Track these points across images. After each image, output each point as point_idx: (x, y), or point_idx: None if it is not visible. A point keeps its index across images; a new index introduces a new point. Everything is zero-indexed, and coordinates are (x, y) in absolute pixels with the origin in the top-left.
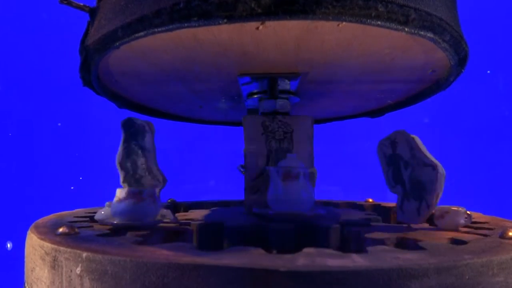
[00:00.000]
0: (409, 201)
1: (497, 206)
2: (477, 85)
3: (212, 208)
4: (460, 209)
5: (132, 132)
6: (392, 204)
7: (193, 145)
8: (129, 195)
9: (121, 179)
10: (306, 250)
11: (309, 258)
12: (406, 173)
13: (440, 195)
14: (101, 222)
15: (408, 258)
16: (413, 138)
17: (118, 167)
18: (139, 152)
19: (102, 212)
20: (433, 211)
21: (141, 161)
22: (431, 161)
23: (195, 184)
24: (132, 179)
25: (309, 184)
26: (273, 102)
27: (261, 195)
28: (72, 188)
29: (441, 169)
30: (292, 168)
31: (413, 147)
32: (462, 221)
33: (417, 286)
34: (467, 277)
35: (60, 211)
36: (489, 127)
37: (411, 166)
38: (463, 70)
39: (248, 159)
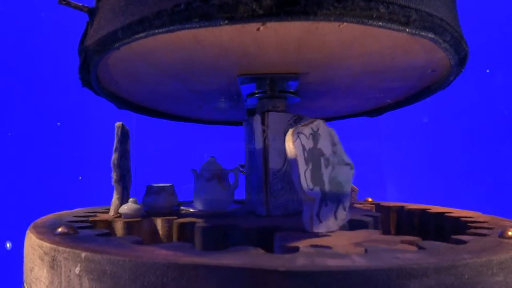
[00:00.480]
0: (326, 206)
1: (497, 205)
2: (477, 85)
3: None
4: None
5: (123, 135)
6: (392, 203)
7: (192, 145)
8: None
9: (115, 178)
10: (306, 249)
11: (308, 258)
12: (326, 173)
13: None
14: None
15: (407, 258)
16: (332, 130)
17: (115, 167)
18: (127, 154)
19: (126, 207)
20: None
21: (128, 162)
22: (349, 159)
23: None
24: (120, 178)
25: (228, 184)
26: (273, 102)
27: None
28: (80, 178)
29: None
30: (214, 170)
31: (334, 142)
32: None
33: (416, 285)
34: (466, 277)
35: (59, 211)
36: (489, 126)
37: (332, 165)
38: (462, 70)
39: (271, 156)
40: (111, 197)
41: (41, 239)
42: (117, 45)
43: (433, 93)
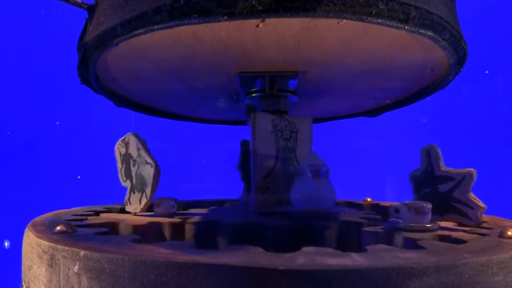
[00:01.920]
0: (134, 193)
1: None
2: (476, 85)
3: (210, 207)
4: (171, 199)
5: None
6: (391, 203)
7: (192, 144)
8: None
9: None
10: (306, 249)
11: (308, 257)
12: (134, 170)
13: (156, 188)
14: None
15: (407, 257)
16: (143, 139)
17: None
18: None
19: None
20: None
21: None
22: (151, 160)
23: (193, 183)
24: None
25: (331, 182)
26: (272, 100)
27: (270, 194)
28: (79, 177)
29: (157, 167)
30: (319, 166)
31: (139, 147)
32: (173, 209)
33: (416, 285)
34: (466, 276)
35: (58, 209)
36: (488, 127)
37: (137, 164)
38: (462, 69)
39: (259, 158)
40: (111, 196)
41: (39, 237)
42: (116, 41)
43: (432, 93)
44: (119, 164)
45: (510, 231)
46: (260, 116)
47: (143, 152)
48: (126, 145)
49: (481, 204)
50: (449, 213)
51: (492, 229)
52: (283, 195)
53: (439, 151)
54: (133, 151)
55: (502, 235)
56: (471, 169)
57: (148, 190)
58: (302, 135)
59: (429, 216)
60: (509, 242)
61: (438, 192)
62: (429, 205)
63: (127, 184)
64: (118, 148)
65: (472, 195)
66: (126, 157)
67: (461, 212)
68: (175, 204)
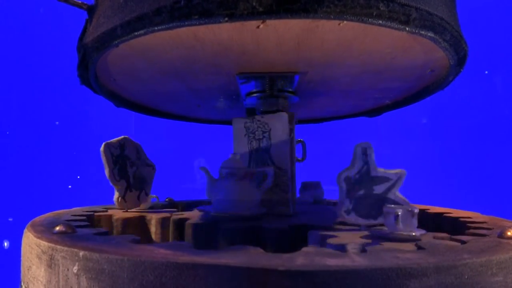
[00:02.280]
0: (131, 192)
1: (496, 206)
2: (475, 86)
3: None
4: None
5: None
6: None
7: (191, 145)
8: None
9: None
10: (305, 249)
11: (308, 258)
12: (131, 170)
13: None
14: None
15: (407, 257)
16: (138, 144)
17: None
18: None
19: None
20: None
21: None
22: (151, 162)
23: (193, 183)
24: None
25: (252, 185)
26: (271, 101)
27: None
28: (69, 187)
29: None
30: (236, 169)
31: (138, 150)
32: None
33: (416, 285)
34: (466, 277)
35: (58, 209)
36: (487, 127)
37: (136, 165)
38: (462, 70)
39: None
40: (110, 196)
41: (39, 237)
42: (116, 42)
43: (432, 93)
44: (109, 165)
45: (510, 232)
46: (234, 120)
47: (143, 155)
48: (122, 147)
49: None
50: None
51: (491, 229)
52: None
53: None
54: (131, 153)
55: (501, 235)
56: (403, 170)
57: (148, 189)
58: (277, 133)
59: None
60: (508, 243)
61: (373, 194)
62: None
63: (121, 183)
64: (109, 150)
65: (400, 195)
66: (121, 159)
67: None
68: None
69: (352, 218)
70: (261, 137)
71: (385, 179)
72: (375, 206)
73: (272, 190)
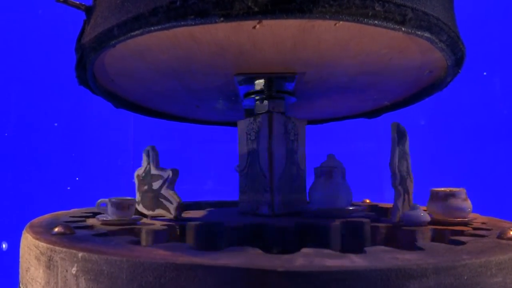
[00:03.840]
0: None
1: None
2: (474, 87)
3: (209, 209)
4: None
5: (400, 136)
6: (389, 205)
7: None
8: None
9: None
10: (305, 250)
11: (307, 258)
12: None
13: None
14: None
15: (406, 258)
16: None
17: (394, 170)
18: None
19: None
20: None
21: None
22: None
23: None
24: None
25: (346, 182)
26: (270, 102)
27: (286, 195)
28: (68, 188)
29: None
30: (333, 168)
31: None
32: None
33: (415, 286)
34: (465, 278)
35: (56, 211)
36: (486, 128)
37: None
38: (459, 71)
39: (276, 159)
40: (108, 197)
41: (37, 239)
42: (113, 42)
43: (431, 94)
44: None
45: (509, 232)
46: (239, 122)
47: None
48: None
49: (177, 199)
50: (158, 208)
51: (491, 230)
52: (296, 196)
53: (157, 152)
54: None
55: (501, 236)
56: (174, 169)
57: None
58: (262, 134)
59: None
60: (508, 244)
61: (152, 189)
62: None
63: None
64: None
65: (170, 192)
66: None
67: (165, 207)
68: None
69: (139, 209)
70: (254, 138)
71: (159, 176)
72: (154, 200)
73: (257, 190)
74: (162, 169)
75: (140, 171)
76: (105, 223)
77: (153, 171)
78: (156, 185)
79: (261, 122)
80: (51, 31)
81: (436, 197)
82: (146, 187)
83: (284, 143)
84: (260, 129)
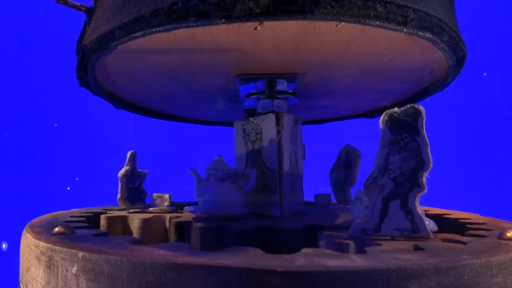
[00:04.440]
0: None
1: (495, 207)
2: (474, 88)
3: None
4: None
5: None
6: None
7: (190, 145)
8: None
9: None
10: (305, 250)
11: (308, 258)
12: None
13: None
14: None
15: (407, 258)
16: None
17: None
18: None
19: None
20: None
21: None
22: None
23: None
24: None
25: (235, 186)
26: (270, 102)
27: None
28: (68, 188)
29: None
30: (220, 171)
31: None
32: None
33: (416, 286)
34: (466, 278)
35: (56, 211)
36: (486, 129)
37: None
38: (460, 71)
39: (236, 163)
40: (108, 197)
41: (37, 238)
42: (115, 44)
43: (431, 94)
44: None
45: (509, 233)
46: (236, 123)
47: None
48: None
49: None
50: (137, 203)
51: (491, 230)
52: (295, 197)
53: (136, 156)
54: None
55: (501, 236)
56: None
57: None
58: (267, 134)
59: None
60: (508, 244)
61: (135, 187)
62: None
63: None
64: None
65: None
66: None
67: (144, 202)
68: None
69: (123, 204)
70: (254, 138)
71: (138, 176)
72: (136, 194)
73: (263, 191)
74: (140, 170)
75: (124, 171)
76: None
77: (136, 171)
78: (137, 182)
79: (265, 122)
80: (51, 31)
81: None
82: (131, 185)
83: (290, 143)
84: (263, 129)
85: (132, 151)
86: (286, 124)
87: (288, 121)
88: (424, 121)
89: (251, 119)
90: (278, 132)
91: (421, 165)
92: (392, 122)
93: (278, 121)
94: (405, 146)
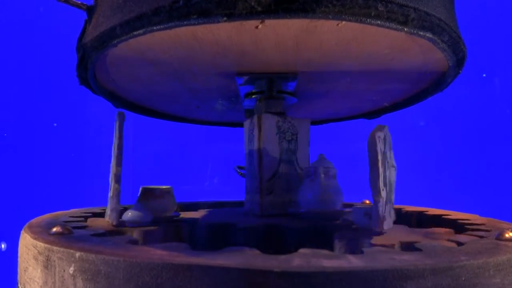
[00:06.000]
0: (387, 205)
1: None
2: (473, 88)
3: (209, 209)
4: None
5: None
6: None
7: (190, 146)
8: None
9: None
10: (302, 250)
11: (304, 259)
12: (386, 174)
13: None
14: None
15: (404, 259)
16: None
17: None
18: None
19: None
20: None
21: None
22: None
23: (192, 185)
24: None
25: (338, 183)
26: (270, 102)
27: (275, 196)
28: (67, 189)
29: None
30: (328, 168)
31: (391, 146)
32: None
33: (413, 287)
34: (463, 279)
35: (56, 211)
36: (485, 129)
37: (388, 167)
38: (460, 71)
39: (265, 160)
40: (107, 197)
41: (35, 238)
42: (115, 42)
43: (431, 95)
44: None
45: (508, 233)
46: (265, 117)
47: (392, 152)
48: (385, 140)
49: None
50: None
51: (489, 231)
52: (287, 197)
53: None
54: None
55: (499, 237)
56: None
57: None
58: (301, 138)
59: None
60: (506, 245)
61: None
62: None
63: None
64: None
65: None
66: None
67: None
68: None
69: None
70: (290, 138)
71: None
72: None
73: (295, 190)
74: None
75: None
76: None
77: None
78: None
79: (254, 123)
80: (52, 29)
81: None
82: None
83: (276, 143)
84: (253, 130)
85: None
86: (267, 124)
87: (270, 120)
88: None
89: (289, 118)
90: (259, 132)
91: None
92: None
93: (259, 122)
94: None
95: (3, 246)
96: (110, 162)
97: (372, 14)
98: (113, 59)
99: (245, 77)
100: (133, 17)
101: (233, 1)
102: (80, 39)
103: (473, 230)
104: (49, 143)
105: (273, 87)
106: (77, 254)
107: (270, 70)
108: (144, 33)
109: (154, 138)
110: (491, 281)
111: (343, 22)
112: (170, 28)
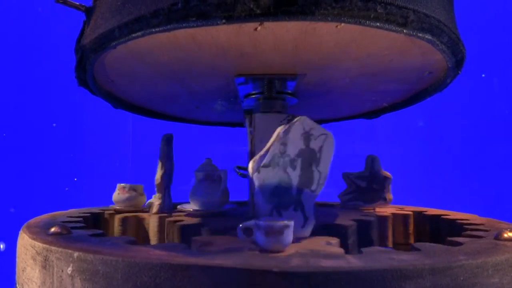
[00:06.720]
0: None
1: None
2: (472, 89)
3: None
4: None
5: None
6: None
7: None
8: None
9: None
10: (301, 251)
11: (303, 259)
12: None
13: None
14: None
15: (403, 259)
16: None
17: None
18: None
19: None
20: None
21: None
22: None
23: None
24: None
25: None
26: (270, 103)
27: None
28: (66, 189)
29: None
30: (210, 172)
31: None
32: None
33: (411, 287)
34: (462, 278)
35: (54, 211)
36: (484, 130)
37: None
38: (459, 72)
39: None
40: (107, 197)
41: (33, 239)
42: (114, 44)
43: (430, 95)
44: None
45: (506, 233)
46: (259, 117)
47: None
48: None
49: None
50: None
51: (488, 231)
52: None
53: None
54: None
55: (498, 237)
56: None
57: None
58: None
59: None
60: (505, 245)
61: None
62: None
63: None
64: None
65: None
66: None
67: None
68: None
69: None
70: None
71: None
72: None
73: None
74: None
75: None
76: None
77: None
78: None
79: (251, 123)
80: (50, 30)
81: None
82: None
83: None
84: (251, 129)
85: None
86: (259, 124)
87: (265, 120)
88: None
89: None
90: (253, 132)
91: None
92: None
93: (250, 122)
94: None
95: (1, 246)
96: (110, 162)
97: (372, 16)
98: (112, 60)
99: (244, 78)
100: (131, 19)
101: (232, 4)
102: (79, 40)
103: (472, 230)
104: (49, 143)
105: (272, 88)
106: (75, 254)
107: (269, 71)
108: (142, 36)
109: (154, 138)
110: (490, 280)
111: (342, 24)
112: (169, 30)
